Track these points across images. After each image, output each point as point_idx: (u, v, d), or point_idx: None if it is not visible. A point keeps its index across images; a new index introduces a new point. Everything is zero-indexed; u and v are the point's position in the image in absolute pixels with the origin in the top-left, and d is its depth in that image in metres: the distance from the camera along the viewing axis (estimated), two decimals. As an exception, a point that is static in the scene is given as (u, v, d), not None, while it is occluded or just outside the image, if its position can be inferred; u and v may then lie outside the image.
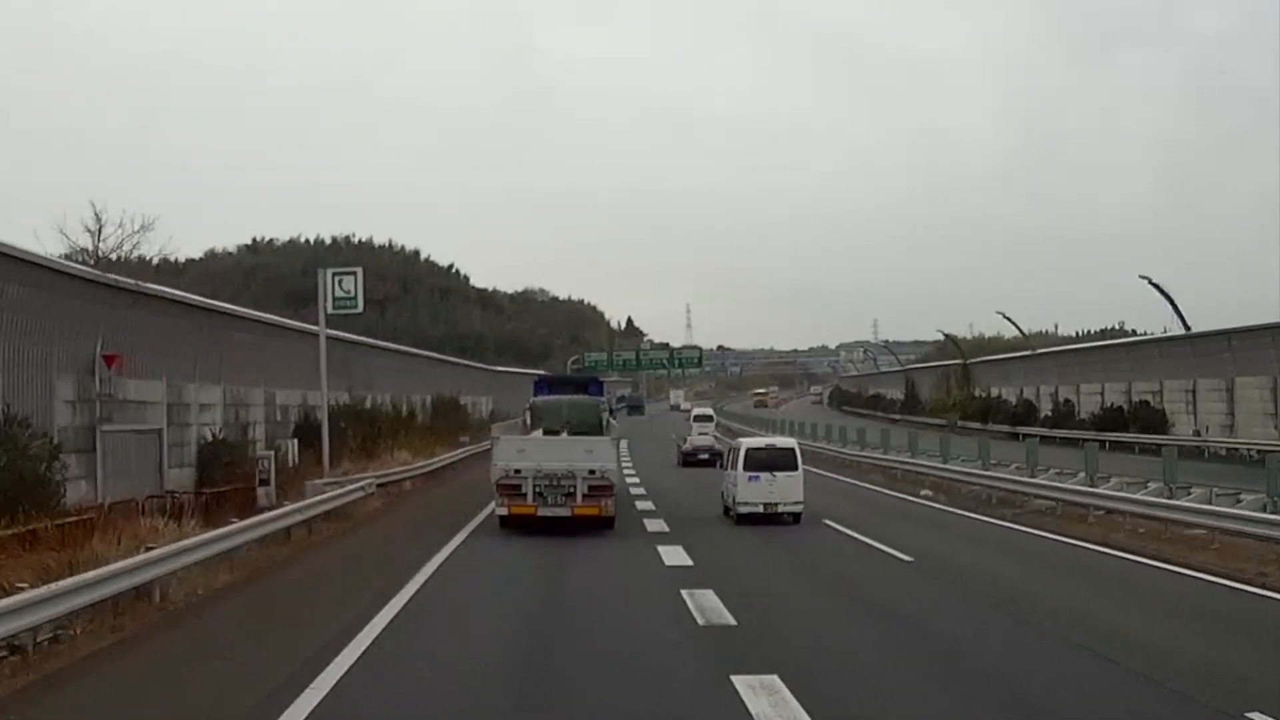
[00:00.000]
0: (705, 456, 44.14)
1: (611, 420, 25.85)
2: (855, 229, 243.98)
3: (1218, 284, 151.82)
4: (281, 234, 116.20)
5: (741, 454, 23.85)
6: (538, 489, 21.25)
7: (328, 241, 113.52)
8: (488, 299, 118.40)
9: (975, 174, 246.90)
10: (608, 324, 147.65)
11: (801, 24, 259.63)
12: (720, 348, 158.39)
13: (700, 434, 50.07)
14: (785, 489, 23.42)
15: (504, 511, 21.59)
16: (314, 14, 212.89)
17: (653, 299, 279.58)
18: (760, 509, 23.33)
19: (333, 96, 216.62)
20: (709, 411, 64.50)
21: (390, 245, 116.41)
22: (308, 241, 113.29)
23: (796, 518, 23.44)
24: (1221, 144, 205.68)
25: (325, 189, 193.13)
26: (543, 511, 21.23)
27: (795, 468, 23.73)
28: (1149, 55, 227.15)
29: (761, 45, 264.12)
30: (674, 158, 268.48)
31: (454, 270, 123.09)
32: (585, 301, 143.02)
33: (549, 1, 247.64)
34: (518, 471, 21.44)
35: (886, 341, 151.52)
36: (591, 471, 21.37)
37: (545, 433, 23.96)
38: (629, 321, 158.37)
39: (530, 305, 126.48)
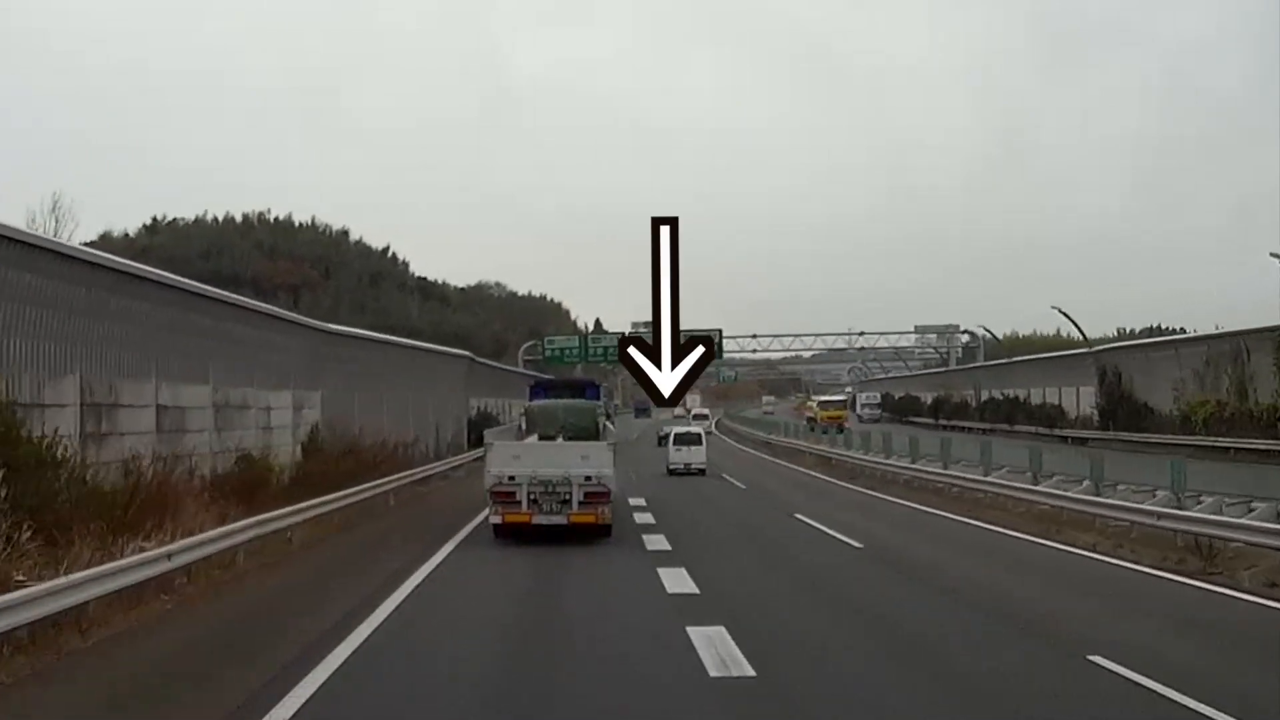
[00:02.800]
0: None
1: (609, 425, 27.20)
2: (830, 236, 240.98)
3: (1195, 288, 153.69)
4: (190, 212, 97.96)
5: (671, 436, 45.25)
6: (532, 496, 20.80)
7: (238, 219, 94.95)
8: (430, 289, 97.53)
9: (948, 181, 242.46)
10: (574, 323, 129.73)
11: (775, 32, 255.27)
12: None
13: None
14: (695, 456, 42.83)
15: (497, 520, 21.14)
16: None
17: (620, 302, 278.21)
18: (681, 467, 42.39)
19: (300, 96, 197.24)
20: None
21: (313, 224, 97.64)
22: (215, 220, 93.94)
23: (702, 471, 41.88)
24: (1194, 147, 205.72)
25: (248, 168, 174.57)
26: (537, 519, 20.82)
27: (701, 443, 43.90)
28: (1122, 60, 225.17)
29: (735, 53, 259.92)
30: (643, 162, 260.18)
31: (390, 254, 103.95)
32: (548, 298, 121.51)
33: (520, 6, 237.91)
34: (511, 478, 20.85)
35: (863, 348, 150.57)
36: (588, 478, 20.85)
37: (541, 438, 24.03)
38: (597, 324, 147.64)
39: (484, 300, 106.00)
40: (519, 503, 20.79)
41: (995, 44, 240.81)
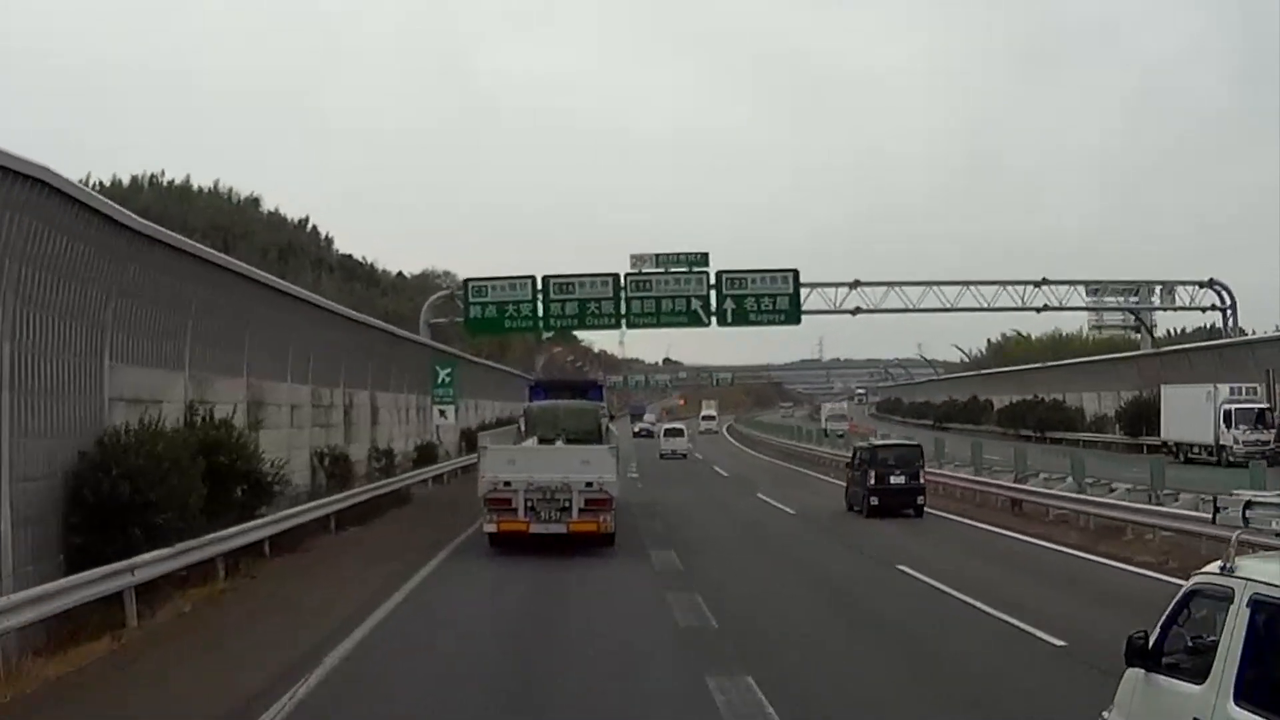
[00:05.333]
0: None
1: (612, 428, 26.74)
2: (796, 246, 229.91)
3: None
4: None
5: (661, 430, 66.98)
6: (529, 503, 19.98)
7: (126, 183, 75.92)
8: (355, 269, 79.82)
9: (918, 192, 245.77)
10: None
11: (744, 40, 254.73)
12: (667, 361, 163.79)
13: None
14: (680, 444, 59.49)
15: (493, 528, 20.30)
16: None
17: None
18: (670, 452, 57.19)
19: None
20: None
21: (216, 189, 79.84)
22: (100, 184, 75.13)
23: (685, 456, 57.40)
24: (1163, 160, 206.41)
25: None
26: (535, 528, 19.99)
27: (683, 435, 62.98)
28: (1094, 72, 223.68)
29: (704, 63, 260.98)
30: (612, 171, 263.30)
31: (309, 228, 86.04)
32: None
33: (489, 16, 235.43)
34: (507, 484, 20.11)
35: (836, 359, 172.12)
36: (588, 484, 20.10)
37: (540, 441, 23.64)
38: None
39: (429, 289, 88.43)
40: (515, 510, 19.94)
41: (969, 54, 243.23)
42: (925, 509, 27.64)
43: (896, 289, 48.51)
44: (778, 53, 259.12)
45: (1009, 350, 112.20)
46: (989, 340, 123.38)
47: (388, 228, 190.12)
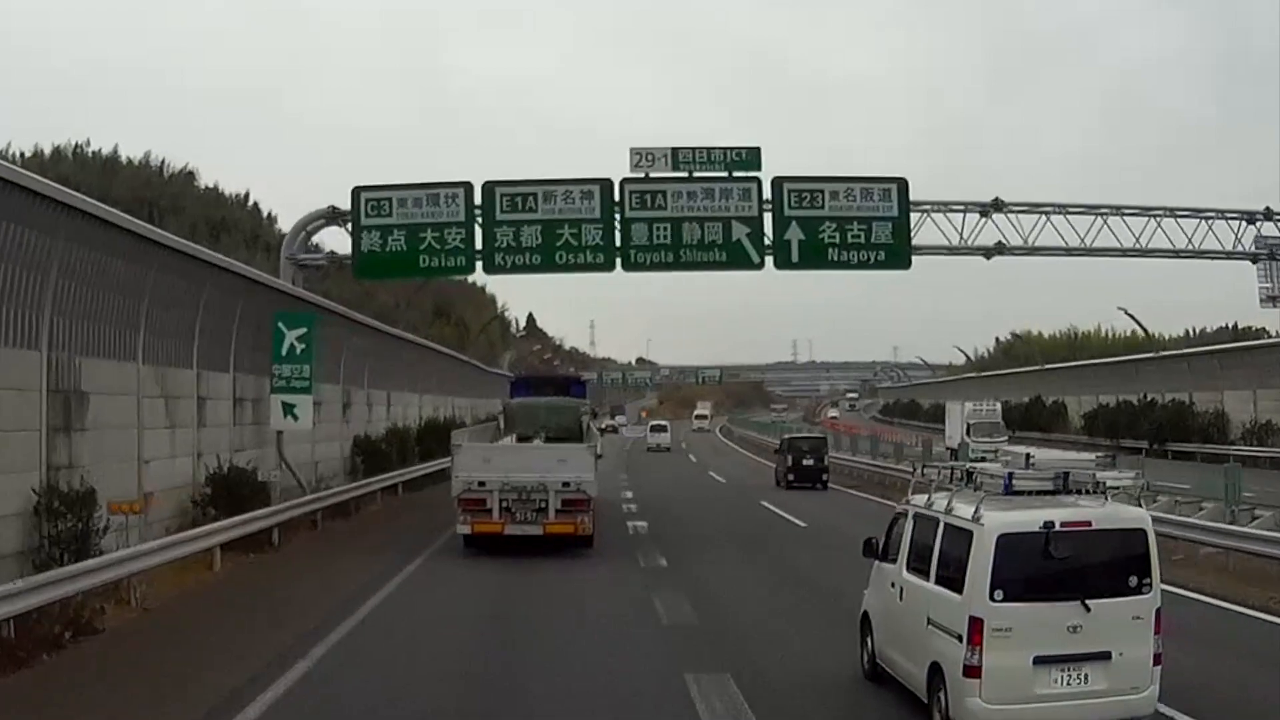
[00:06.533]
0: None
1: (594, 425, 26.85)
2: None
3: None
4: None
5: (648, 427, 73.37)
6: (504, 503, 19.32)
7: (48, 154, 63.02)
8: None
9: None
10: (502, 315, 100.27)
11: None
12: (640, 360, 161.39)
13: None
14: (664, 439, 67.27)
15: (466, 530, 19.60)
16: None
17: (556, 309, 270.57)
18: (655, 445, 65.68)
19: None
20: None
21: (147, 161, 68.37)
22: (20, 155, 59.99)
23: (668, 449, 65.03)
24: (1135, 165, 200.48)
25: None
26: (510, 529, 19.36)
27: (667, 431, 69.56)
28: (1068, 78, 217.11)
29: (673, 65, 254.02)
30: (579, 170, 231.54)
31: (248, 205, 74.73)
32: (466, 279, 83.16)
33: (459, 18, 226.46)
34: (482, 484, 19.41)
35: (816, 362, 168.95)
36: (565, 484, 19.44)
37: (519, 439, 23.32)
38: (530, 319, 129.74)
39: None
40: (490, 511, 19.35)
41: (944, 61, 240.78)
42: (829, 485, 36.28)
43: (1057, 216, 30.11)
44: (751, 57, 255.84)
45: (1015, 349, 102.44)
46: (997, 339, 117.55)
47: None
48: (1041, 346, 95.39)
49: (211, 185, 74.07)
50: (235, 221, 71.03)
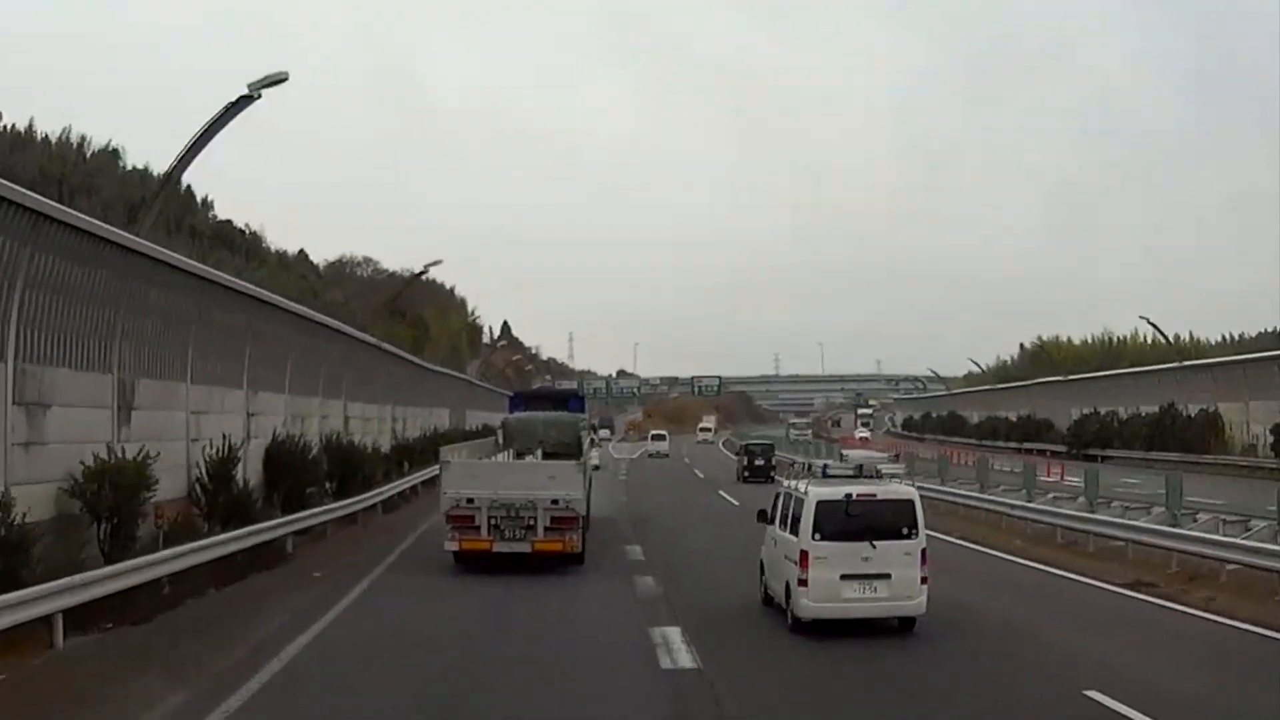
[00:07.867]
0: None
1: (594, 440, 29.32)
2: (743, 263, 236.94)
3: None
4: None
5: (649, 436, 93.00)
6: (493, 520, 19.36)
7: None
8: (233, 239, 60.74)
9: (864, 212, 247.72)
10: (473, 322, 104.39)
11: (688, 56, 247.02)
12: (620, 372, 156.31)
13: None
14: (663, 447, 79.66)
15: (454, 546, 19.67)
16: None
17: (534, 321, 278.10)
18: (655, 452, 77.61)
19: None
20: None
21: (65, 139, 61.55)
22: None
23: (666, 456, 75.13)
24: (1111, 182, 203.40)
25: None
26: (499, 547, 19.44)
27: (666, 440, 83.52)
28: (1044, 92, 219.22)
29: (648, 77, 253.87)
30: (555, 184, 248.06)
31: (180, 186, 65.33)
32: (436, 280, 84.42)
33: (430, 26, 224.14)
34: (470, 501, 19.49)
35: (794, 375, 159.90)
36: (554, 501, 19.50)
37: (517, 454, 23.68)
38: (505, 326, 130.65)
39: (341, 277, 73.27)
40: (478, 528, 19.46)
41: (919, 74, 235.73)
42: (775, 479, 40.46)
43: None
44: (724, 70, 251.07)
45: (1039, 358, 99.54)
46: (1021, 345, 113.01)
47: (318, 217, 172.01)
48: (1072, 354, 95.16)
49: (143, 166, 63.36)
50: (161, 206, 61.19)
